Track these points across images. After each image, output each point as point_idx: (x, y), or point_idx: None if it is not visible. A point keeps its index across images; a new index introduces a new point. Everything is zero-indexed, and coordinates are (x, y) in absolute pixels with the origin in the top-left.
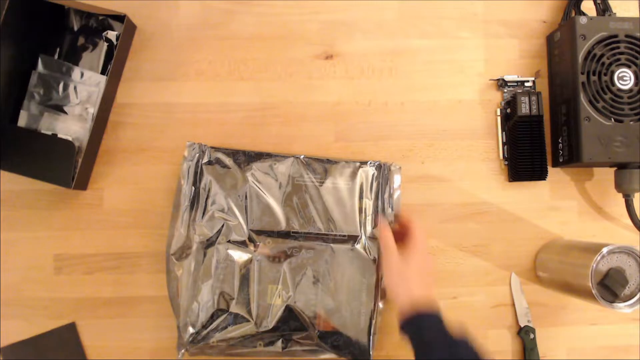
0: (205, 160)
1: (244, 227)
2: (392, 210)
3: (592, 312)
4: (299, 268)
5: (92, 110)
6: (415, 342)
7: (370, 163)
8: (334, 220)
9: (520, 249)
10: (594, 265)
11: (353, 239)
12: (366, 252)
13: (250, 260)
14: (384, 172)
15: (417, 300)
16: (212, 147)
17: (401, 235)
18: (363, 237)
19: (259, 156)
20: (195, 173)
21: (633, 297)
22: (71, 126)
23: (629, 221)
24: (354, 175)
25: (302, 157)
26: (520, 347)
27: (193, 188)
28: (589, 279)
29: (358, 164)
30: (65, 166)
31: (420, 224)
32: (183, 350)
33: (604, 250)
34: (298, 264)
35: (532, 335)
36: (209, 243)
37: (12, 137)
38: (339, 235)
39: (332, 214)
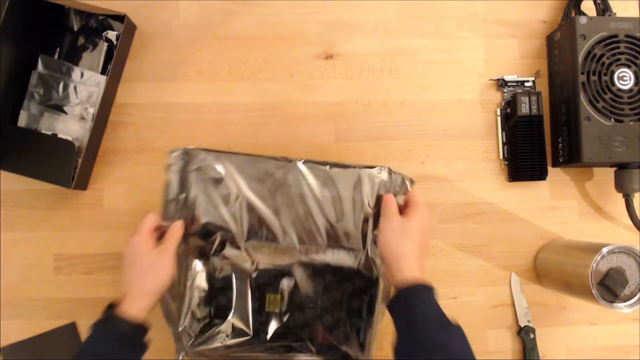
0: (195, 167)
1: (239, 238)
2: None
3: (592, 312)
4: (297, 281)
5: (92, 110)
6: (405, 313)
7: (378, 169)
8: (336, 233)
9: (520, 249)
10: (594, 265)
11: (355, 252)
12: (368, 266)
13: (246, 274)
14: (395, 180)
15: (415, 269)
16: (203, 150)
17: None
18: (368, 250)
19: (254, 161)
20: (183, 181)
21: (633, 297)
22: (71, 126)
23: (629, 221)
24: (359, 182)
25: (302, 161)
26: (520, 347)
27: (180, 197)
28: (589, 279)
29: (363, 168)
30: (65, 166)
31: (420, 194)
32: (183, 353)
33: (604, 250)
34: (297, 277)
35: (532, 335)
36: (203, 254)
37: (12, 137)
38: (341, 249)
39: (333, 226)
